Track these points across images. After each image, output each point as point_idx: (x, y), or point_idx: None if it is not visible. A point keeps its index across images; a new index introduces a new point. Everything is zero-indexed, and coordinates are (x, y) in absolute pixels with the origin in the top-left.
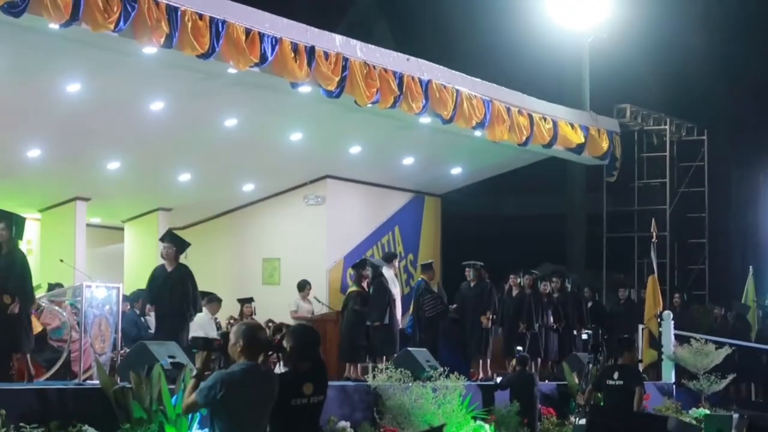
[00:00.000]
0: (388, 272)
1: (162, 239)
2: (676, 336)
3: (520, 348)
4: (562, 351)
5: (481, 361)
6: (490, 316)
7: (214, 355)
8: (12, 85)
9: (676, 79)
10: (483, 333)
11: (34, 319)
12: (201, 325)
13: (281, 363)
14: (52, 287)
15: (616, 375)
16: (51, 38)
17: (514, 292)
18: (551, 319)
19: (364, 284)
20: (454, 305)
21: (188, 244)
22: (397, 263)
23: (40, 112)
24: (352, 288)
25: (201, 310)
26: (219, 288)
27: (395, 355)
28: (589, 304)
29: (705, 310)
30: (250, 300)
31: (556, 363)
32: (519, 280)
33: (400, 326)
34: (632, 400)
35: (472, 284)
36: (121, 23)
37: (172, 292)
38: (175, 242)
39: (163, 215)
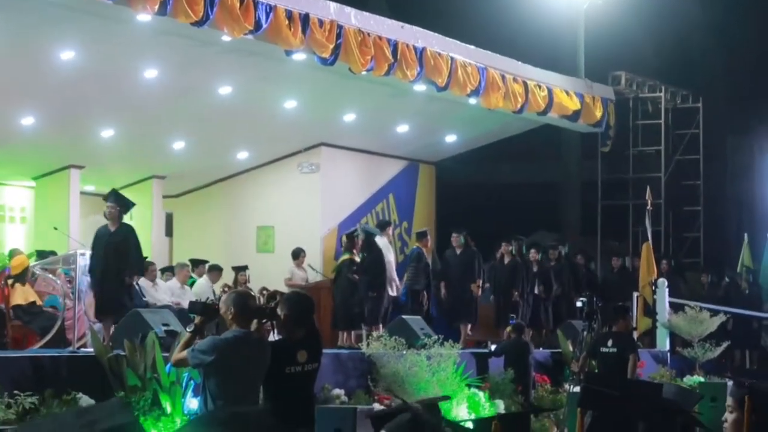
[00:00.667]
0: (381, 240)
1: (105, 198)
2: (670, 303)
3: (513, 315)
4: (559, 319)
5: (462, 327)
6: (480, 284)
7: (211, 319)
8: (5, 53)
9: (671, 46)
10: (472, 300)
11: (27, 287)
12: (200, 293)
13: (275, 330)
14: (42, 255)
15: (609, 342)
16: (45, 5)
17: (506, 260)
18: (541, 288)
19: (356, 251)
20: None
21: (132, 204)
22: (391, 231)
23: (33, 80)
24: (345, 256)
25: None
26: (213, 255)
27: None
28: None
29: (693, 277)
30: (244, 268)
31: (551, 331)
32: (511, 247)
33: (395, 294)
34: (626, 367)
35: (458, 251)
36: None
37: (114, 253)
38: (118, 202)
39: (157, 183)
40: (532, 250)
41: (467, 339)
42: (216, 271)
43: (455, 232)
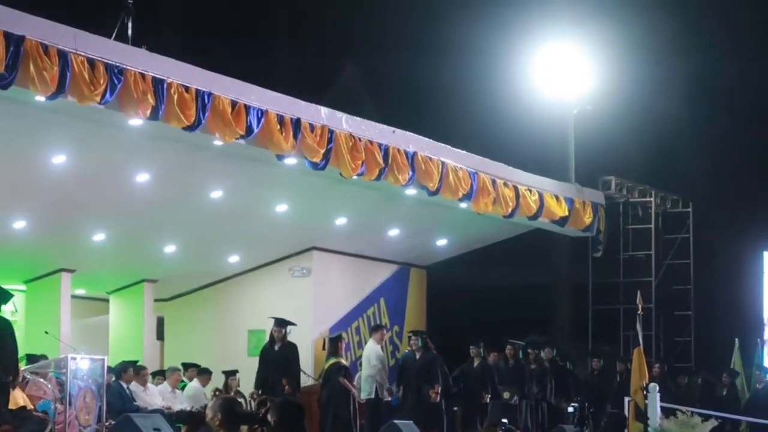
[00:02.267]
0: (374, 344)
1: None
2: (662, 408)
3: (505, 420)
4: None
5: None
6: (438, 390)
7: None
8: None
9: (660, 151)
10: (432, 406)
11: (18, 391)
12: (192, 396)
13: None
14: (33, 359)
15: None
16: (36, 110)
17: (475, 363)
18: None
19: (341, 354)
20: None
21: (10, 296)
22: (383, 335)
23: (25, 183)
24: (332, 360)
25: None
26: (204, 359)
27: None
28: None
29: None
30: (234, 372)
31: None
32: (480, 349)
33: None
34: None
35: (417, 355)
36: (108, 95)
37: None
38: None
39: (148, 286)
40: (529, 350)
41: None
42: (206, 374)
43: (413, 335)
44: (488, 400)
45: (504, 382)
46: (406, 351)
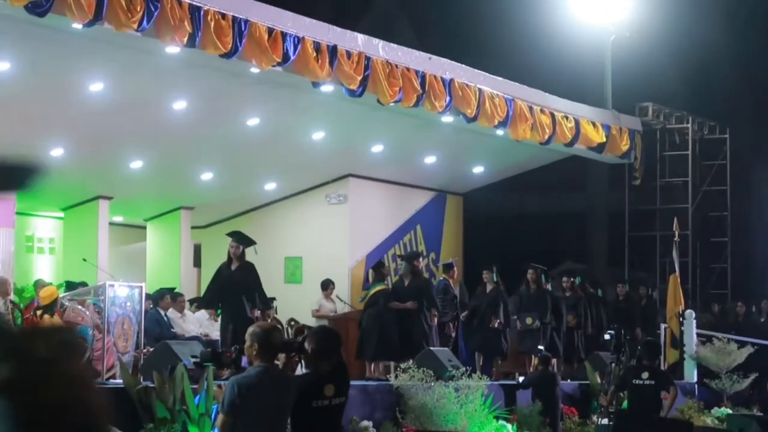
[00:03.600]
0: None
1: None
2: (697, 335)
3: (541, 347)
4: (571, 350)
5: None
6: (435, 314)
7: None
8: (35, 84)
9: (698, 77)
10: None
11: (56, 318)
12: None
13: (303, 364)
14: (71, 286)
15: (645, 375)
16: (73, 38)
17: (488, 288)
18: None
19: (388, 281)
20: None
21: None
22: (420, 262)
23: (62, 111)
24: (379, 287)
25: None
26: None
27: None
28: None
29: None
30: (271, 300)
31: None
32: (492, 275)
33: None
34: (660, 400)
35: (405, 282)
36: (144, 23)
37: None
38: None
39: (185, 214)
40: (564, 279)
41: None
42: None
43: (400, 258)
44: (497, 326)
45: (527, 308)
46: (441, 279)
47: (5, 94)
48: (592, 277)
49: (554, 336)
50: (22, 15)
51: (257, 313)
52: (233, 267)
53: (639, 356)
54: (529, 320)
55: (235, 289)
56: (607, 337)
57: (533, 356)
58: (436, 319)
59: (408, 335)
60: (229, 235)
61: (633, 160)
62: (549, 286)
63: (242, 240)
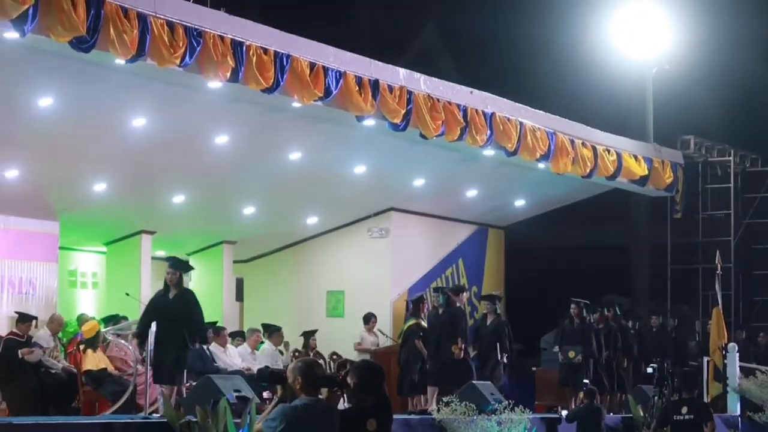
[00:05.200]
0: None
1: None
2: (741, 368)
3: (587, 381)
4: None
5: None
6: (461, 345)
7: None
8: (78, 119)
9: (740, 109)
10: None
11: (99, 353)
12: (269, 355)
13: (346, 398)
14: (111, 320)
15: (684, 410)
16: (117, 74)
17: (488, 320)
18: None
19: (423, 316)
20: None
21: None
22: (464, 296)
23: (105, 146)
24: (411, 321)
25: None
26: (283, 320)
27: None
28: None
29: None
30: (313, 332)
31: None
32: (495, 307)
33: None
34: None
35: (439, 311)
36: (187, 58)
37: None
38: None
39: (227, 248)
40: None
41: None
42: (276, 333)
43: (434, 292)
44: (501, 359)
45: (569, 341)
46: (483, 312)
47: (49, 130)
48: (633, 310)
49: (598, 370)
50: (66, 51)
51: (197, 345)
52: (171, 295)
53: (678, 389)
54: (571, 354)
55: (174, 319)
56: (650, 370)
57: (576, 389)
58: (461, 352)
59: (439, 366)
60: (165, 260)
61: (675, 192)
62: (591, 319)
63: (179, 266)
